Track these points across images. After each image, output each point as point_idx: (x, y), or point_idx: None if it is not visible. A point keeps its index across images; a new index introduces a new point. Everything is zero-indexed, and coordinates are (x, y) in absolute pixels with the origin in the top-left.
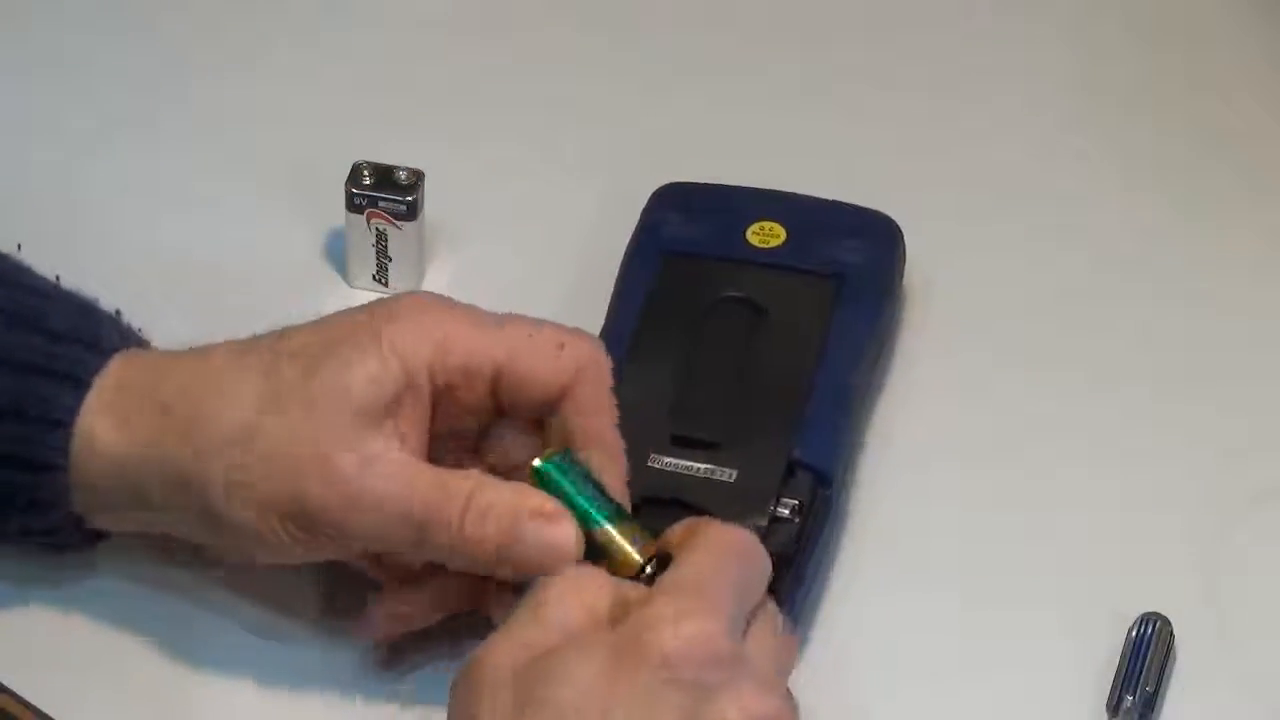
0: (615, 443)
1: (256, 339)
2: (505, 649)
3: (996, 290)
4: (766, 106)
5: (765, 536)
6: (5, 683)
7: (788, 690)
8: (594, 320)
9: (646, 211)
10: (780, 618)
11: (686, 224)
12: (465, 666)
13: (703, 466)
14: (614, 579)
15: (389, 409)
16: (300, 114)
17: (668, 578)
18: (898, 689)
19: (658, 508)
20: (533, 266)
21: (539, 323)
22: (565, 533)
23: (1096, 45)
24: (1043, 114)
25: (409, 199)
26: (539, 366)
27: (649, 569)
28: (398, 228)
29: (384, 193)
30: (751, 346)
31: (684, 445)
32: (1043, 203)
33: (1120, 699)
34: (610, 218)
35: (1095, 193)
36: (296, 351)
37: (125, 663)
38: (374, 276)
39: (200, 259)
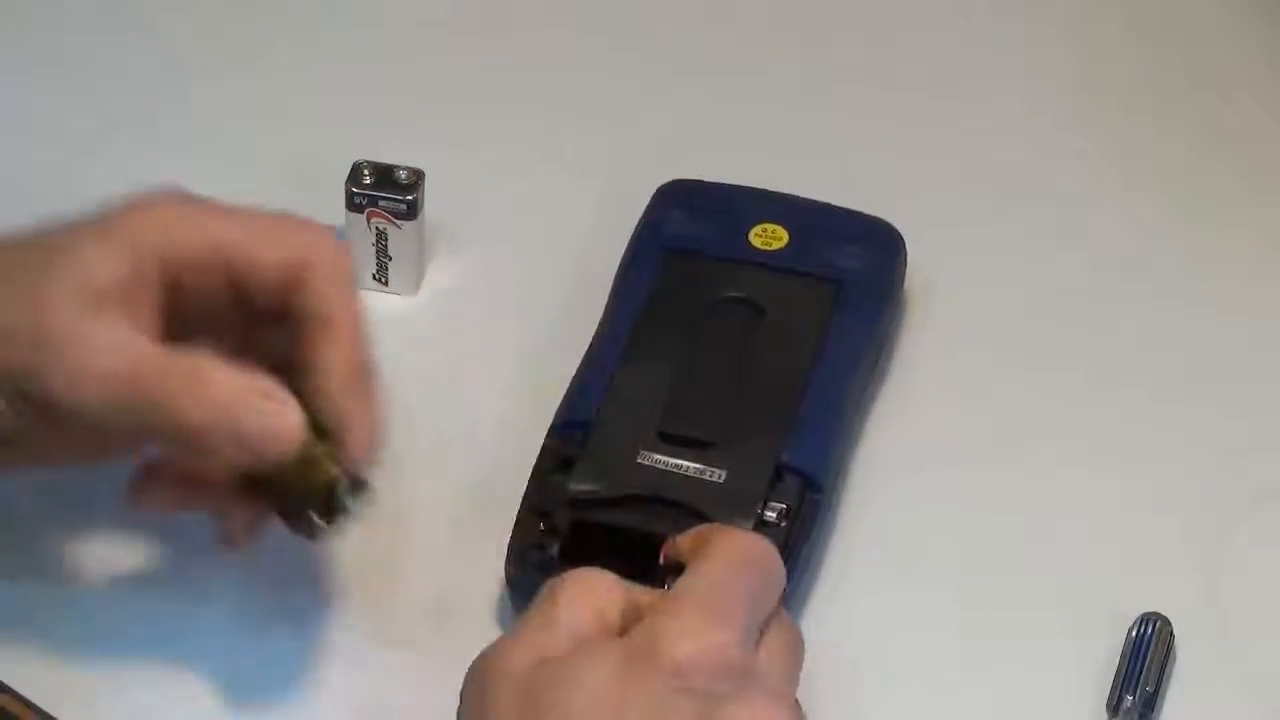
0: (351, 327)
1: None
2: (516, 652)
3: (996, 291)
4: (766, 107)
5: None
6: (5, 683)
7: (795, 701)
8: (593, 317)
9: (650, 207)
10: (793, 628)
11: (689, 222)
12: (476, 668)
13: (693, 465)
14: (625, 583)
15: (117, 295)
16: (300, 114)
17: (681, 585)
18: (896, 690)
19: (646, 504)
20: (533, 266)
21: (267, 211)
22: (289, 416)
23: (1096, 46)
24: (1043, 115)
25: (409, 198)
26: (265, 251)
27: (668, 584)
28: (398, 227)
29: (384, 192)
30: (749, 347)
31: (675, 443)
32: (1043, 204)
33: (1120, 699)
34: (610, 218)
35: (1095, 194)
36: (27, 242)
37: (126, 662)
38: (374, 276)
39: None
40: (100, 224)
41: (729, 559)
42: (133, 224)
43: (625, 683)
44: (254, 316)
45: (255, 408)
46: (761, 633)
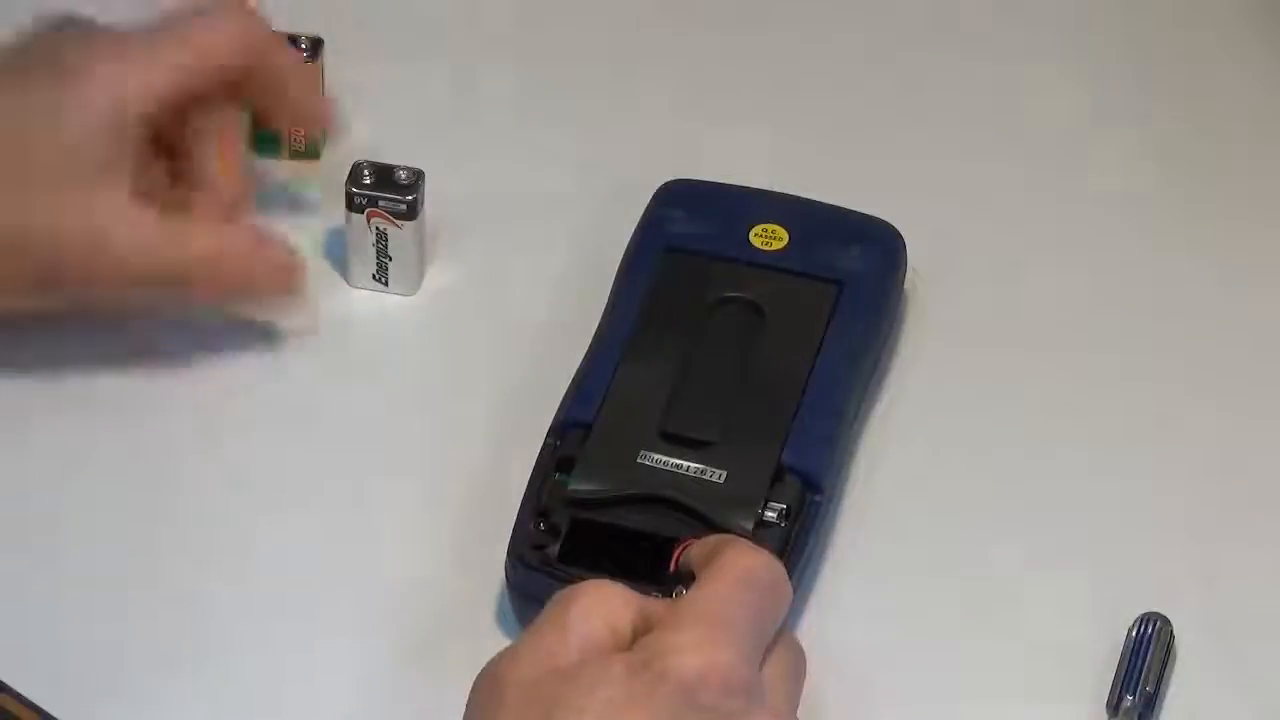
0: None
1: None
2: (527, 661)
3: (996, 292)
4: (766, 107)
5: (752, 540)
6: (5, 683)
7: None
8: (594, 317)
9: (650, 208)
10: (797, 648)
11: (690, 221)
12: (485, 676)
13: (693, 466)
14: (637, 595)
15: (109, 166)
16: None
17: (690, 600)
18: (896, 690)
19: (646, 504)
20: (533, 266)
21: (177, 19)
22: (284, 256)
23: (1097, 48)
24: (1043, 116)
25: (409, 198)
26: (225, 59)
27: (676, 592)
28: (398, 227)
29: (384, 192)
30: (749, 348)
31: (675, 443)
32: (1043, 204)
33: (1120, 699)
34: (610, 218)
35: (1096, 194)
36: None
37: (126, 663)
38: (374, 276)
39: None
40: (71, 84)
41: (739, 577)
42: (103, 86)
43: (632, 697)
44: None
45: (263, 261)
46: (766, 652)
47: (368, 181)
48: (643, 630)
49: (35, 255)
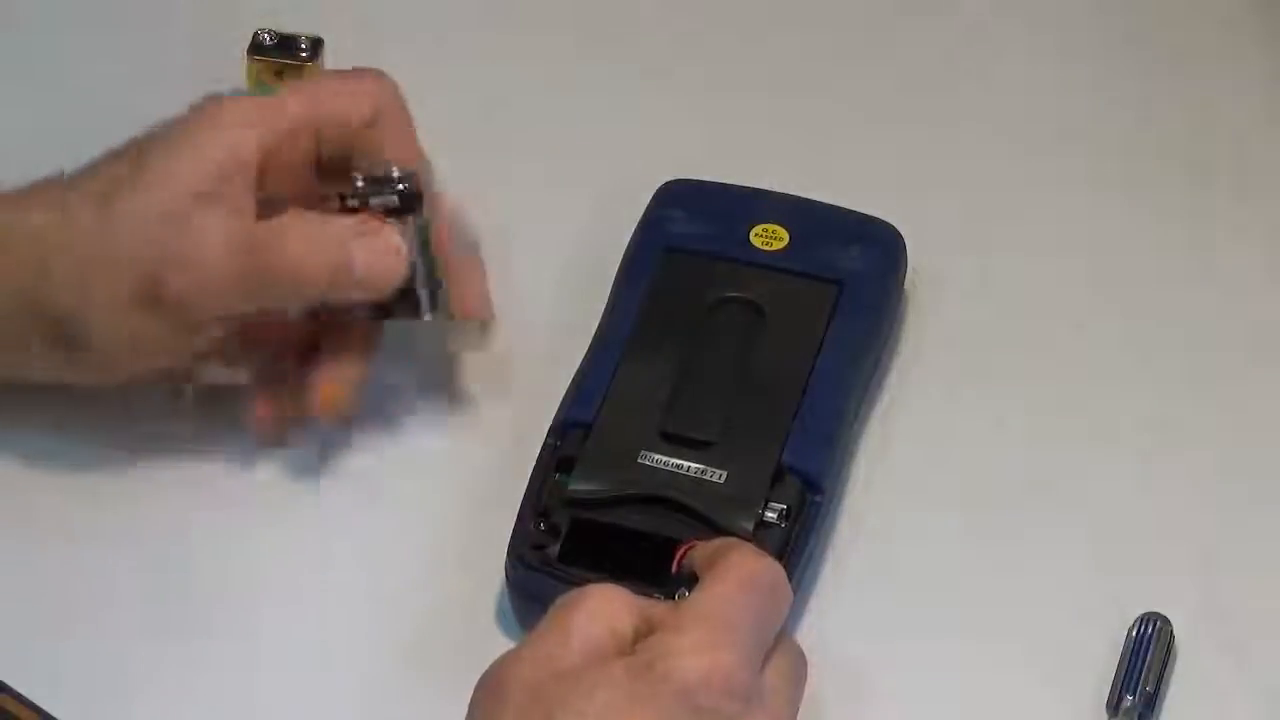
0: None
1: (89, 164)
2: (529, 664)
3: (996, 292)
4: (767, 107)
5: (752, 540)
6: (5, 683)
7: None
8: (594, 317)
9: (650, 208)
10: (798, 651)
11: (690, 221)
12: (488, 678)
13: (693, 466)
14: (640, 599)
15: (217, 188)
16: None
17: (691, 603)
18: (897, 690)
19: (646, 504)
20: (533, 266)
21: (324, 74)
22: (388, 237)
23: (1097, 48)
24: (1043, 116)
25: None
26: (348, 110)
27: (679, 594)
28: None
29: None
30: (749, 348)
31: (676, 443)
32: (1043, 204)
33: (1120, 699)
34: (610, 218)
35: (1095, 195)
36: (121, 158)
37: (126, 662)
38: None
39: None
40: (186, 129)
41: (741, 580)
42: (223, 123)
43: (632, 700)
44: (318, 168)
45: (360, 244)
46: (767, 655)
47: (360, 185)
48: (645, 633)
49: (135, 267)
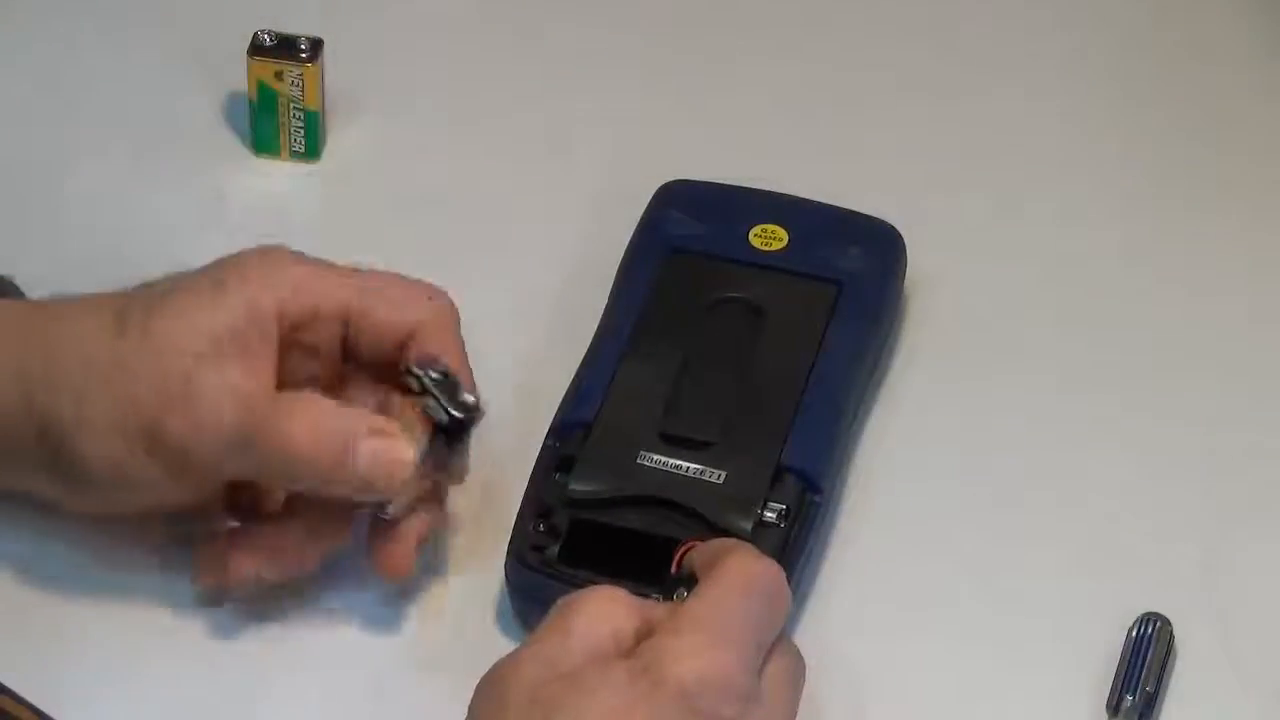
0: (468, 374)
1: (114, 291)
2: (529, 665)
3: (996, 292)
4: (766, 107)
5: (751, 541)
6: (5, 683)
7: None
8: (594, 317)
9: (650, 208)
10: (796, 654)
11: (690, 222)
12: (489, 679)
13: (693, 466)
14: (641, 601)
15: (235, 347)
16: None
17: (692, 606)
18: (896, 690)
19: (646, 505)
20: (533, 266)
21: (385, 272)
22: (400, 448)
23: (1097, 48)
24: (1043, 116)
25: None
26: (386, 308)
27: (678, 595)
28: None
29: None
30: (749, 349)
31: (675, 444)
32: (1043, 205)
33: (1120, 699)
34: (610, 218)
35: (1095, 194)
36: (143, 295)
37: (126, 662)
38: None
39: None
40: (214, 278)
41: (740, 583)
42: (247, 278)
43: (632, 702)
44: (348, 359)
45: (367, 445)
46: (766, 658)
47: None
48: (645, 635)
49: (137, 402)
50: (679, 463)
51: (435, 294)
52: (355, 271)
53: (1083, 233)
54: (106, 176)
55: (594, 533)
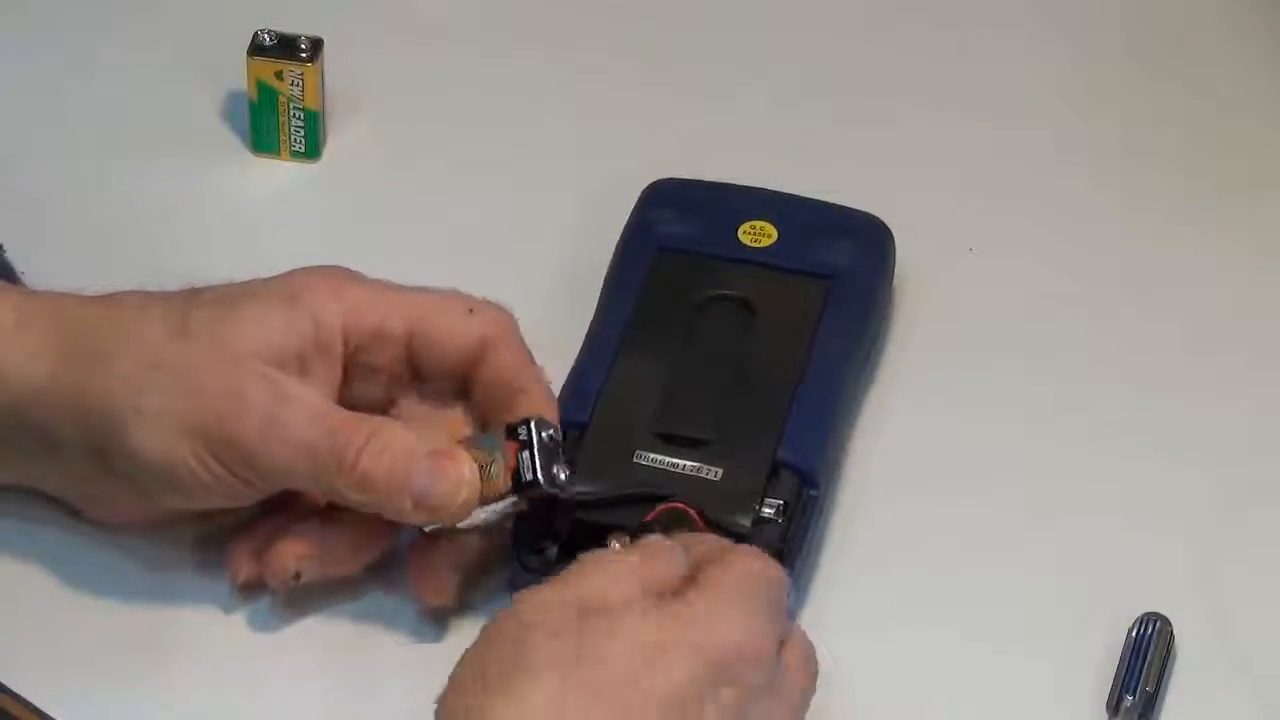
0: (544, 384)
1: (166, 291)
2: (559, 594)
3: (988, 287)
4: (756, 105)
5: (750, 537)
6: (5, 683)
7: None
8: (584, 318)
9: (638, 207)
10: (805, 641)
11: (678, 221)
12: (502, 615)
13: (689, 464)
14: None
15: (299, 363)
16: None
17: (716, 576)
18: (895, 688)
19: (643, 504)
20: (523, 267)
21: (447, 290)
22: (459, 469)
23: (1093, 49)
24: (1036, 113)
25: None
26: (450, 327)
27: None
28: None
29: None
30: (741, 346)
31: (671, 442)
32: (1035, 200)
33: (1120, 699)
34: (599, 217)
35: (1089, 191)
36: (207, 301)
37: (126, 662)
38: None
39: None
40: (284, 291)
41: (757, 563)
42: (316, 294)
43: (665, 654)
44: (413, 379)
45: (427, 465)
46: (782, 641)
47: None
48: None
49: (200, 396)
50: (675, 461)
51: (492, 306)
52: (413, 290)
53: (1074, 227)
54: (106, 176)
55: (592, 532)
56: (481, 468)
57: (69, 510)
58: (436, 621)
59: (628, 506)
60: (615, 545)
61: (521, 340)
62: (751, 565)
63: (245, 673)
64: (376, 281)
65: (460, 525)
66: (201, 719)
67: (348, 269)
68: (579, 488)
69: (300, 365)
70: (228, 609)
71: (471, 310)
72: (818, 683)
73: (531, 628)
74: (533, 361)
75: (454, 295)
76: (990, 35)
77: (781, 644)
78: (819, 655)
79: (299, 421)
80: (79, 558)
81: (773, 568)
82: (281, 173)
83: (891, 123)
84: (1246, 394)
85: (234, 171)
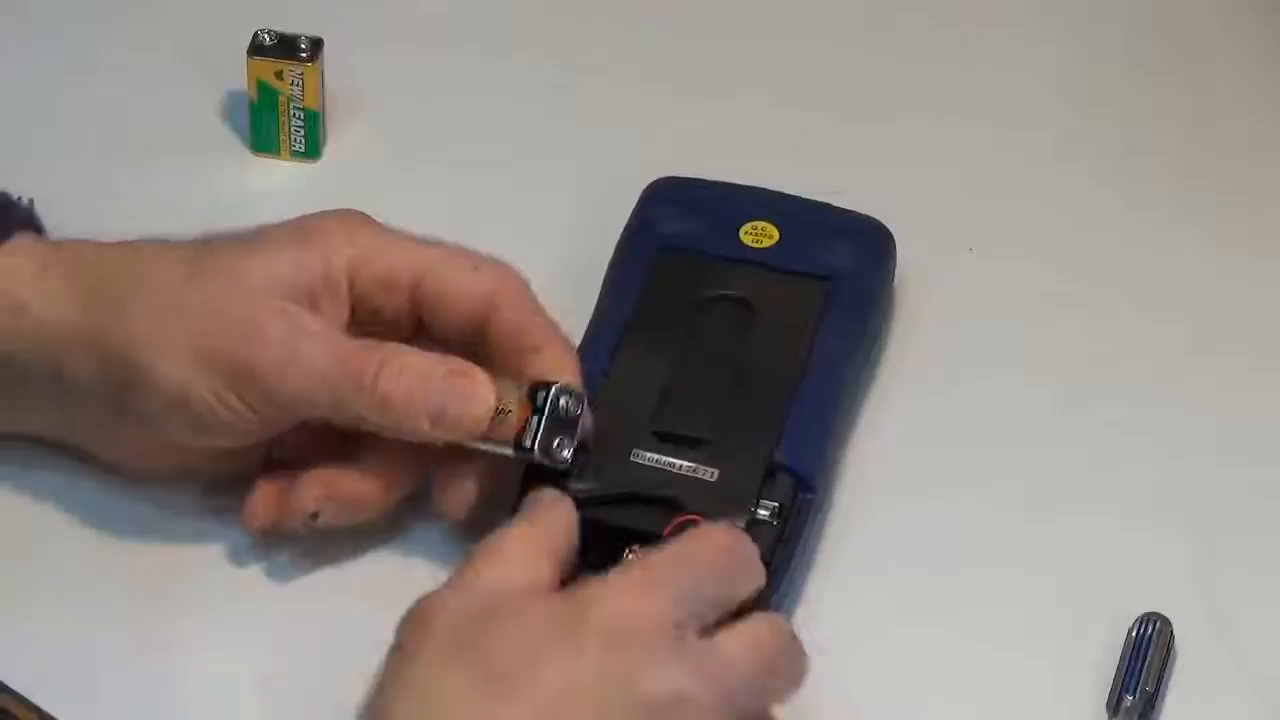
0: (560, 340)
1: (182, 239)
2: (455, 600)
3: (988, 289)
4: (757, 105)
5: None
6: (5, 683)
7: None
8: (584, 316)
9: (639, 206)
10: (771, 628)
11: (679, 220)
12: (414, 609)
13: (685, 464)
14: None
15: (310, 300)
16: None
17: (627, 560)
18: (892, 688)
19: (639, 503)
20: (523, 265)
21: (455, 245)
22: (477, 386)
23: (1093, 49)
24: (1036, 114)
25: None
26: (455, 282)
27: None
28: None
29: None
30: (740, 346)
31: (668, 441)
32: (1035, 201)
33: (1120, 699)
34: (600, 216)
35: (1089, 192)
36: (222, 244)
37: (126, 662)
38: None
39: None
40: (297, 231)
41: (692, 543)
42: (329, 235)
43: (551, 633)
44: (421, 334)
45: (444, 384)
46: (727, 623)
47: None
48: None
49: (219, 331)
50: (672, 460)
51: (498, 264)
52: (425, 242)
53: (1074, 227)
54: (106, 176)
55: (588, 531)
56: (499, 410)
57: (80, 454)
58: (403, 588)
59: (623, 505)
60: (630, 556)
61: (531, 297)
62: (702, 534)
63: (242, 673)
64: (392, 230)
65: (479, 446)
66: (200, 717)
67: (364, 214)
68: (577, 485)
69: (311, 302)
70: (226, 607)
71: (476, 268)
72: (812, 683)
73: (425, 626)
74: (545, 317)
75: (460, 251)
76: (990, 35)
77: (729, 622)
78: (805, 649)
79: (317, 352)
80: (82, 556)
81: (728, 537)
82: (281, 173)
83: (891, 123)
84: (1247, 394)
85: (234, 171)
